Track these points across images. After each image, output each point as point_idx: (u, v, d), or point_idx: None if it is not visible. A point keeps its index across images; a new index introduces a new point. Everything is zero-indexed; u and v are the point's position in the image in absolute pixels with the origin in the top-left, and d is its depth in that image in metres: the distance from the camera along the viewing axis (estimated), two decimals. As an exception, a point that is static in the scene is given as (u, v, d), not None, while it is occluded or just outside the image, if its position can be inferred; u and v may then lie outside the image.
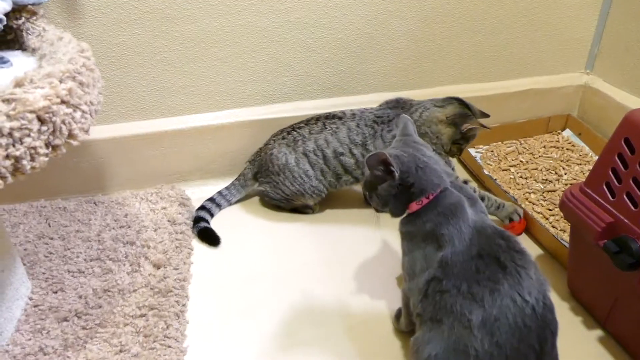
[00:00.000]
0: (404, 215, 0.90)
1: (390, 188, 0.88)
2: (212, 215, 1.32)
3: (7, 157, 0.65)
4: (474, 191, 1.24)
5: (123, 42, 1.24)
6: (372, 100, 1.46)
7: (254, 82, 1.39)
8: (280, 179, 1.29)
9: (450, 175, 0.91)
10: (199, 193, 1.38)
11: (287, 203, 1.33)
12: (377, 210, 0.94)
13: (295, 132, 1.30)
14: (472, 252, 0.80)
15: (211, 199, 1.33)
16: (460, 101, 1.26)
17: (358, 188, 1.39)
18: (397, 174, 0.86)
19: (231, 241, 1.25)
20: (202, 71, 1.33)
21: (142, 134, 1.35)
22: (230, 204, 1.36)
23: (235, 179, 1.36)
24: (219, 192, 1.35)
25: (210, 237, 1.25)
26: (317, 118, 1.30)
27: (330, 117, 1.30)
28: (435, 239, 0.84)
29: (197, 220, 1.28)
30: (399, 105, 1.30)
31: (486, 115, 1.27)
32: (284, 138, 1.30)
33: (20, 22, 0.93)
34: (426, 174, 0.87)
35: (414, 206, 0.87)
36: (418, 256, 0.87)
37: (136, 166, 1.38)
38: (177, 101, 1.36)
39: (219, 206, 1.34)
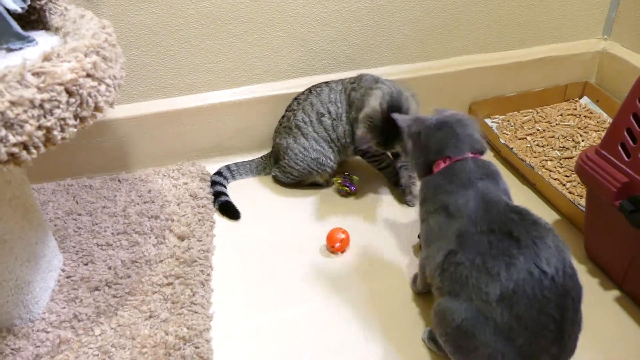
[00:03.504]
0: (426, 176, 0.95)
1: (412, 145, 0.96)
2: (227, 179, 1.38)
3: (39, 127, 0.69)
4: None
5: (140, 21, 1.27)
6: (386, 72, 1.47)
7: (270, 58, 1.40)
8: (286, 162, 1.33)
9: (478, 146, 0.93)
10: (218, 169, 1.42)
11: (299, 183, 1.36)
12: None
13: (287, 112, 1.35)
14: (482, 227, 0.81)
15: (219, 172, 1.39)
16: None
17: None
18: (405, 130, 0.96)
19: (251, 213, 1.29)
20: (218, 48, 1.36)
21: (162, 112, 1.38)
22: (235, 180, 1.41)
23: (249, 161, 1.43)
24: (227, 166, 1.41)
25: (230, 211, 1.29)
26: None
27: (317, 84, 1.34)
28: (444, 208, 0.86)
29: (217, 194, 1.32)
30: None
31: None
32: (281, 124, 1.35)
33: (42, 2, 0.96)
34: (447, 136, 0.91)
35: (434, 169, 0.91)
36: (432, 223, 0.89)
37: (157, 144, 1.42)
38: (195, 79, 1.38)
39: (229, 178, 1.40)
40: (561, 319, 0.74)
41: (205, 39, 1.33)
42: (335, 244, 1.14)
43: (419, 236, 1.08)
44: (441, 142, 0.92)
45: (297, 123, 1.30)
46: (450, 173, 0.89)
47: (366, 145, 1.21)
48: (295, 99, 1.34)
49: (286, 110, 1.35)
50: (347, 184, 1.32)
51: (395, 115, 1.02)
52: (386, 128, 1.14)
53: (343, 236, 1.15)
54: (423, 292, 1.03)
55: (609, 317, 0.99)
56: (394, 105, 1.14)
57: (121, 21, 1.26)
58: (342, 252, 1.16)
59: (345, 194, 1.33)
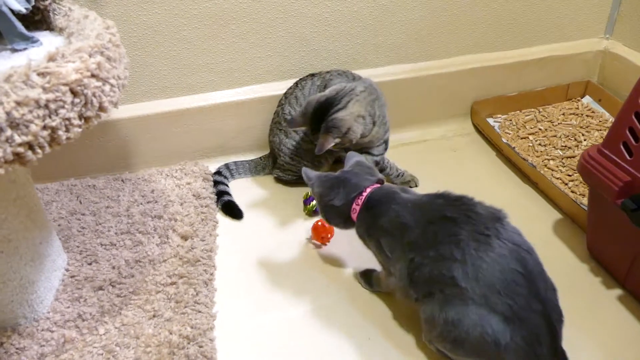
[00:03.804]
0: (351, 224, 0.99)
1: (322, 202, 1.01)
2: (227, 178, 1.39)
3: (45, 127, 0.69)
4: (379, 163, 1.30)
5: (144, 21, 1.27)
6: (388, 72, 1.48)
7: (272, 58, 1.41)
8: (282, 159, 1.33)
9: (372, 176, 1.00)
10: (217, 168, 1.42)
11: (301, 179, 1.36)
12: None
13: (277, 108, 1.36)
14: (423, 224, 0.86)
15: (218, 172, 1.40)
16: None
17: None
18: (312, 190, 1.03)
19: (254, 213, 1.29)
20: (221, 48, 1.36)
21: (165, 112, 1.38)
22: (234, 179, 1.41)
23: (248, 160, 1.43)
24: (226, 165, 1.41)
25: (233, 211, 1.29)
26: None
27: (303, 77, 1.35)
28: (384, 230, 0.91)
29: (220, 194, 1.32)
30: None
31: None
32: (272, 120, 1.37)
33: (46, 2, 0.96)
34: (346, 186, 0.97)
35: (353, 215, 0.96)
36: (384, 247, 0.92)
37: (160, 144, 1.42)
38: (198, 79, 1.39)
39: (229, 177, 1.40)
40: (524, 270, 0.78)
41: (207, 39, 1.34)
42: (326, 235, 1.17)
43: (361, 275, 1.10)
44: (346, 190, 0.98)
45: (285, 117, 1.30)
46: (369, 203, 0.95)
47: (293, 127, 1.25)
48: (284, 93, 1.35)
49: (277, 106, 1.36)
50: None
51: (304, 170, 1.05)
52: (314, 120, 1.17)
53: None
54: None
55: (612, 316, 0.99)
56: (328, 103, 1.16)
57: (124, 21, 1.26)
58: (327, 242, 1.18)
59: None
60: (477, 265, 0.78)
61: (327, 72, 1.34)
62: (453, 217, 0.83)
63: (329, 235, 1.17)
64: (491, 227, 0.80)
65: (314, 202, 1.22)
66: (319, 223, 1.17)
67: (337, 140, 1.14)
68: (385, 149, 1.31)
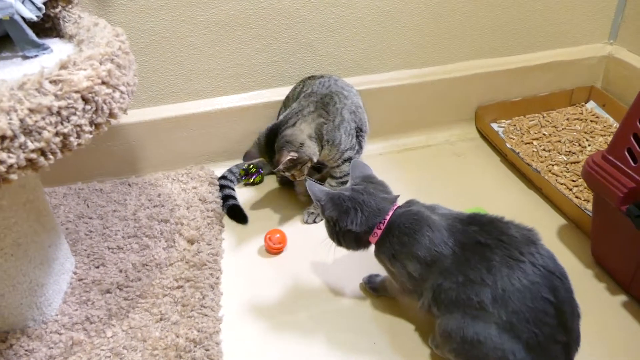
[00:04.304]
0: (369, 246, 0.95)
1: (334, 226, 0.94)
2: (232, 182, 1.40)
3: (57, 134, 0.71)
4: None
5: (151, 28, 1.29)
6: (393, 77, 1.49)
7: (278, 64, 1.42)
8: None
9: (387, 194, 0.94)
10: (223, 173, 1.43)
11: None
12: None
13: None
14: (455, 249, 0.84)
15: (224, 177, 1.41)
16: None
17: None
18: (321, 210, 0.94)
19: (260, 217, 1.30)
20: (227, 54, 1.37)
21: (171, 117, 1.40)
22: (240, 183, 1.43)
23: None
24: (230, 170, 1.42)
25: (238, 215, 1.30)
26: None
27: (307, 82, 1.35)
28: (416, 257, 0.87)
29: (225, 198, 1.33)
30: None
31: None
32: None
33: (56, 10, 0.98)
34: (364, 210, 0.90)
35: (372, 239, 0.92)
36: (412, 273, 0.88)
37: (166, 148, 1.43)
38: (204, 84, 1.40)
39: (234, 181, 1.42)
40: (556, 300, 0.77)
41: (214, 45, 1.35)
42: (275, 244, 1.18)
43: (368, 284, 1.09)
44: (365, 215, 0.90)
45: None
46: (397, 228, 0.89)
47: (248, 160, 1.26)
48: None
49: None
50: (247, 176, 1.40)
51: (311, 186, 0.95)
52: (268, 145, 1.19)
53: (278, 235, 1.19)
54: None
55: (616, 322, 0.99)
56: (277, 126, 1.19)
57: (132, 28, 1.27)
58: (280, 251, 1.20)
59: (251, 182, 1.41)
60: (508, 291, 0.77)
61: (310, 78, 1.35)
62: (487, 243, 0.81)
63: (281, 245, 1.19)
64: (526, 252, 0.79)
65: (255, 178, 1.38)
66: (268, 236, 1.19)
67: (294, 154, 1.14)
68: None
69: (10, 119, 0.66)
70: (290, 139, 1.15)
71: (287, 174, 1.20)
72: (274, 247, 1.18)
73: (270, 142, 1.18)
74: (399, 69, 1.51)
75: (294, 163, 1.16)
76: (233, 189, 1.38)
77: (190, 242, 1.21)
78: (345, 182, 1.25)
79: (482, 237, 0.82)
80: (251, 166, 1.40)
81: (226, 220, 1.30)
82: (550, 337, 0.77)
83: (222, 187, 1.37)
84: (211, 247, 1.19)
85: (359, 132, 1.27)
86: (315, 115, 1.20)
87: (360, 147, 1.29)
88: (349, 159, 1.24)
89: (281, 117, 1.23)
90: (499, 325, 0.78)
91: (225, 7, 1.30)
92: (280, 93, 1.44)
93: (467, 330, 0.81)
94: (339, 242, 0.95)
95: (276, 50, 1.40)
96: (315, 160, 1.19)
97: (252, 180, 1.41)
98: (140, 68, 1.34)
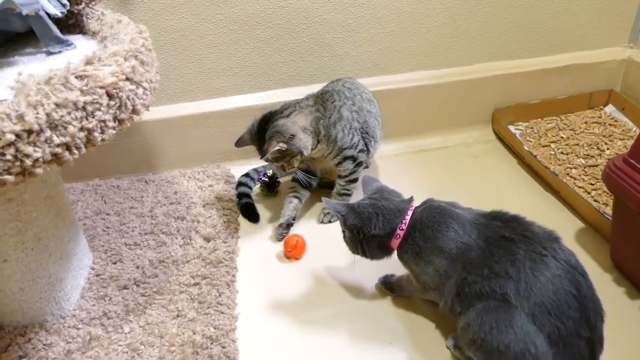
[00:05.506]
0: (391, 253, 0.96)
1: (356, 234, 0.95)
2: (253, 180, 1.39)
3: (82, 129, 0.71)
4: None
5: (171, 26, 1.30)
6: (410, 78, 1.48)
7: (295, 63, 1.42)
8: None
9: (400, 198, 0.97)
10: (242, 172, 1.43)
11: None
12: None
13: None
14: (480, 242, 0.85)
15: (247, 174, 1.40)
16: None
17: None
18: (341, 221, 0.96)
19: (275, 215, 1.30)
20: (245, 53, 1.38)
21: (189, 115, 1.41)
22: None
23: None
24: (255, 169, 1.41)
25: (250, 214, 1.30)
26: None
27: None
28: (442, 251, 0.87)
29: (240, 196, 1.33)
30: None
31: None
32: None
33: (80, 7, 0.99)
34: (385, 213, 0.92)
35: (395, 242, 0.92)
36: (438, 270, 0.89)
37: (183, 146, 1.44)
38: (222, 82, 1.41)
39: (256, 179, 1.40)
40: (578, 294, 0.77)
41: (232, 43, 1.36)
42: (289, 250, 1.17)
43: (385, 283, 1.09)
44: (386, 217, 0.92)
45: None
46: (419, 224, 0.90)
47: (239, 146, 1.24)
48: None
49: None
50: (265, 188, 1.36)
51: (330, 203, 0.97)
52: (259, 132, 1.18)
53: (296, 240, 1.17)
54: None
55: (636, 327, 0.98)
56: (271, 114, 1.19)
57: (152, 26, 1.28)
58: (298, 258, 1.18)
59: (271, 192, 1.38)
60: (531, 283, 0.78)
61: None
62: (511, 238, 0.83)
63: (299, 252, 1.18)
64: (549, 247, 0.81)
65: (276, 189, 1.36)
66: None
67: (282, 145, 1.13)
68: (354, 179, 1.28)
69: (37, 113, 0.67)
70: (281, 129, 1.14)
71: (276, 164, 1.20)
72: (290, 254, 1.17)
73: (262, 130, 1.17)
74: (416, 70, 1.51)
75: (282, 154, 1.15)
76: (250, 188, 1.38)
77: (207, 239, 1.21)
78: (353, 180, 1.26)
79: (507, 232, 0.84)
80: (271, 174, 1.37)
81: (242, 218, 1.30)
82: (574, 331, 0.76)
83: (239, 184, 1.37)
84: (227, 245, 1.20)
85: (365, 135, 1.27)
86: (313, 109, 1.20)
87: (367, 149, 1.28)
88: (351, 158, 1.24)
89: (278, 106, 1.22)
90: (521, 318, 0.78)
91: (244, 6, 1.31)
92: (297, 92, 1.43)
93: (486, 317, 0.81)
94: (363, 252, 0.97)
95: (294, 50, 1.40)
96: (306, 154, 1.17)
97: (275, 192, 1.38)
98: (159, 66, 1.34)
